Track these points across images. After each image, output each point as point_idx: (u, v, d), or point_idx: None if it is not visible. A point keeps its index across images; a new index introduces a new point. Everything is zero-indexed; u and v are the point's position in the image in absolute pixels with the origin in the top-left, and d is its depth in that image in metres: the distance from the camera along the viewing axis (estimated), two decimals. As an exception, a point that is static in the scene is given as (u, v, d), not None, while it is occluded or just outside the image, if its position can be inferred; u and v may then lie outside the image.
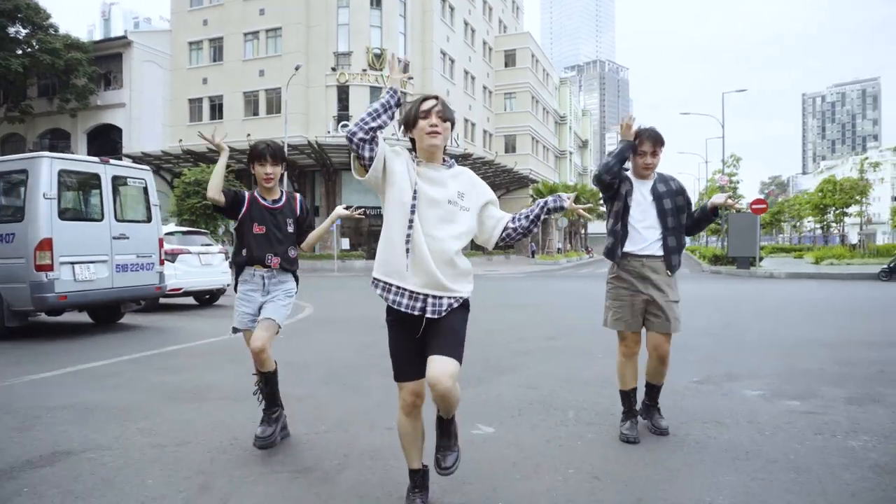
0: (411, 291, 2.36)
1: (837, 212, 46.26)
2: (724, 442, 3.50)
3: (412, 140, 2.47)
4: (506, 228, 2.52)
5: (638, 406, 3.75)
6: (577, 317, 10.00)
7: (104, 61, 39.01)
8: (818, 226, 54.73)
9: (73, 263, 7.61)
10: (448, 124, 2.41)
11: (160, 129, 39.40)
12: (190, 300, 12.37)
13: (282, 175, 3.52)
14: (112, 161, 8.59)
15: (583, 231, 67.94)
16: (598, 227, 67.49)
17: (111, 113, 39.09)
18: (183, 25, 39.95)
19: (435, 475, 2.57)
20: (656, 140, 3.58)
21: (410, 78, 2.48)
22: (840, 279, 19.33)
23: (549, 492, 2.83)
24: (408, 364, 2.44)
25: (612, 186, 3.64)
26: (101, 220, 8.08)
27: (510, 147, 53.40)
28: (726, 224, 27.09)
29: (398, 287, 2.37)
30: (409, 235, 2.34)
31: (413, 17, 39.41)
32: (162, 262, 8.97)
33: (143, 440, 3.57)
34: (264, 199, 3.46)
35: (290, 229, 3.49)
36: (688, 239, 3.91)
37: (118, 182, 8.44)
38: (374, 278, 2.44)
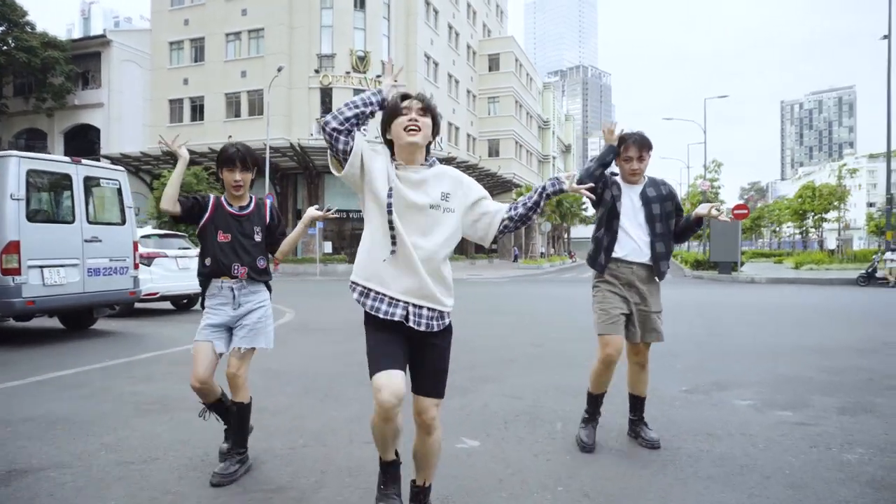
0: (391, 297, 2.21)
1: (816, 217, 46.85)
2: (717, 456, 3.38)
3: (390, 143, 2.29)
4: (503, 221, 2.36)
5: (623, 414, 3.64)
6: (561, 323, 9.89)
7: (82, 60, 38.35)
8: (797, 231, 55.38)
9: (42, 267, 7.33)
10: (429, 120, 2.23)
11: (140, 130, 38.80)
12: (167, 305, 12.08)
13: (252, 181, 3.23)
14: (84, 161, 8.29)
15: (566, 235, 68.22)
16: (580, 231, 67.78)
17: (89, 113, 38.42)
18: (163, 25, 39.37)
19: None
20: (642, 145, 3.47)
21: (402, 87, 2.30)
22: (820, 284, 19.49)
23: (538, 512, 2.68)
24: (387, 356, 2.21)
25: (595, 191, 3.51)
26: (72, 222, 7.80)
27: (494, 151, 53.38)
28: (708, 229, 27.25)
29: (377, 292, 2.23)
30: (393, 237, 2.19)
31: (397, 20, 39.23)
32: (136, 266, 8.70)
33: (107, 456, 3.36)
34: (230, 206, 3.17)
35: (259, 238, 3.20)
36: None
37: (91, 183, 8.16)
38: (352, 282, 2.29)
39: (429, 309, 2.25)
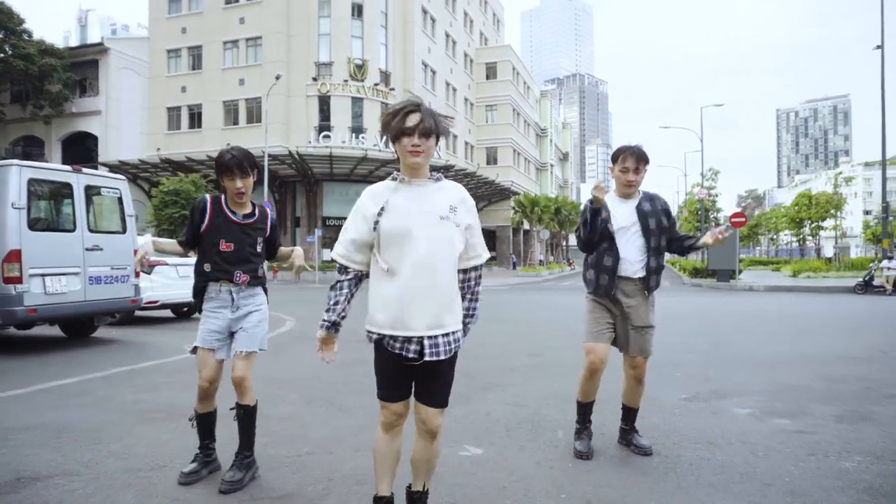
0: (405, 337, 2.25)
1: (813, 225, 47.06)
2: (718, 464, 3.43)
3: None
4: (466, 273, 2.38)
5: (612, 421, 3.69)
6: (560, 332, 9.93)
7: (80, 68, 38.41)
8: (794, 239, 55.58)
9: (43, 276, 7.35)
10: (432, 141, 2.27)
11: (137, 138, 38.85)
12: (167, 313, 12.09)
13: (255, 183, 3.20)
14: (85, 170, 8.33)
15: (564, 243, 68.28)
16: (578, 238, 67.75)
17: (87, 120, 38.46)
18: (161, 33, 39.52)
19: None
20: (640, 157, 3.51)
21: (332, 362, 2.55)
22: (817, 292, 19.57)
23: (543, 519, 2.72)
24: (394, 389, 2.34)
25: (593, 241, 3.56)
26: (73, 230, 7.84)
27: (492, 159, 53.53)
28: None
29: (391, 336, 2.27)
30: (410, 266, 2.22)
31: (394, 29, 39.44)
32: (137, 275, 8.73)
33: (115, 464, 3.39)
34: (233, 213, 3.16)
35: (260, 248, 3.24)
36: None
37: (91, 192, 8.20)
38: (368, 331, 2.33)
39: (444, 336, 2.26)
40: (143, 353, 7.58)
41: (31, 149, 38.50)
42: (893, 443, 3.79)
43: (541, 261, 54.71)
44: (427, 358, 2.22)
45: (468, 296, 2.40)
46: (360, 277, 2.38)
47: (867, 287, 18.46)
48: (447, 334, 2.27)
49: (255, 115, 36.43)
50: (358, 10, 37.17)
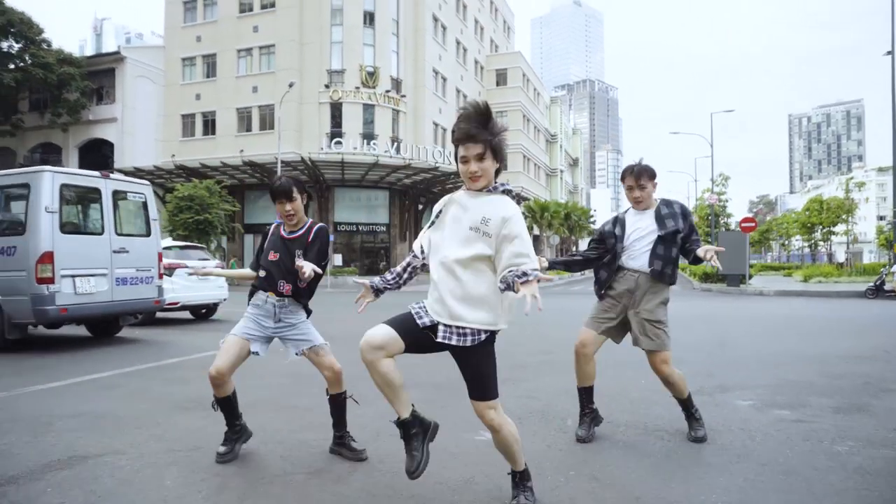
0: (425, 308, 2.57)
1: (825, 230, 46.91)
2: (717, 447, 3.66)
3: None
4: (501, 276, 2.41)
5: (595, 405, 4.00)
6: (571, 333, 10.10)
7: (97, 76, 39.13)
8: (806, 244, 55.37)
9: (73, 277, 7.70)
10: (488, 163, 2.51)
11: (152, 145, 39.46)
12: (186, 314, 12.42)
13: (306, 206, 3.56)
14: (112, 176, 8.72)
15: (574, 248, 68.25)
16: (588, 244, 67.81)
17: (103, 128, 39.14)
18: (176, 41, 40.18)
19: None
20: (638, 175, 3.78)
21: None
22: (828, 297, 19.64)
23: (553, 491, 2.97)
24: (392, 322, 2.54)
25: (599, 254, 3.97)
26: (101, 233, 8.19)
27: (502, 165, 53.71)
28: (716, 242, 27.45)
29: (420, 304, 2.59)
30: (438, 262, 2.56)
31: (405, 36, 39.87)
32: (161, 276, 9.06)
33: (156, 445, 3.68)
34: (284, 230, 3.53)
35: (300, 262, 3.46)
36: None
37: (118, 196, 8.56)
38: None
39: (456, 327, 2.50)
40: (166, 350, 7.89)
41: (48, 156, 39.21)
42: (886, 430, 4.00)
43: (551, 266, 54.73)
44: (438, 340, 2.49)
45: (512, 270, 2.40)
46: (418, 267, 2.72)
47: (878, 292, 18.50)
48: (462, 328, 2.49)
49: (268, 122, 36.92)
50: (370, 19, 37.65)
